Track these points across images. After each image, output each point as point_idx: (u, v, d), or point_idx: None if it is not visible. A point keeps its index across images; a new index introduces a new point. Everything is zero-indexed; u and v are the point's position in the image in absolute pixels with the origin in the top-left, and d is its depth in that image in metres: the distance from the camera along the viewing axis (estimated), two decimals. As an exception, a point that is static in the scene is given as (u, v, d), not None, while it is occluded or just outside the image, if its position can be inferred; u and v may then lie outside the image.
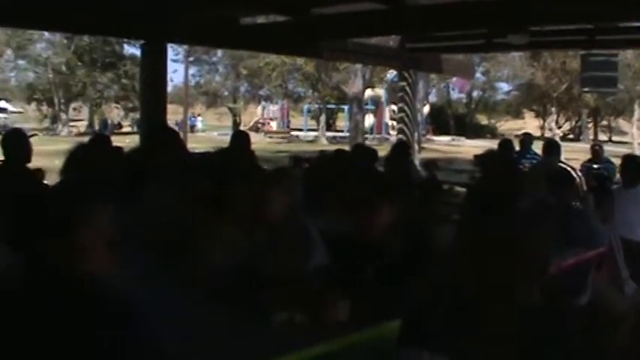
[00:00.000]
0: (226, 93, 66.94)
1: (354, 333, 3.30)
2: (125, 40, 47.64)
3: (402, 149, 9.18)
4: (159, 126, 7.80)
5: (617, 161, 9.82)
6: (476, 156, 16.25)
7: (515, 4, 7.83)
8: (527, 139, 12.35)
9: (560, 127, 53.91)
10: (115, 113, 64.67)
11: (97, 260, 2.43)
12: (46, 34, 48.79)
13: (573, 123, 62.89)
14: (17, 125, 48.00)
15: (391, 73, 42.32)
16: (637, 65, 39.42)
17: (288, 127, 56.89)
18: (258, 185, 4.10)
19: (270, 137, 47.27)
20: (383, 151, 9.02)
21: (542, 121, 61.27)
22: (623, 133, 59.30)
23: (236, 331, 3.26)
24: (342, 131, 53.00)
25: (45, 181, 6.59)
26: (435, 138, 48.76)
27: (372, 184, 4.14)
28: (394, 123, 46.19)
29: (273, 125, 56.70)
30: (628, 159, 8.05)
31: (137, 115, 59.61)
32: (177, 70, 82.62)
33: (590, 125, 61.88)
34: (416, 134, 16.28)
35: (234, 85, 64.32)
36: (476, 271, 2.51)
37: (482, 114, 67.25)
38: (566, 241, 5.11)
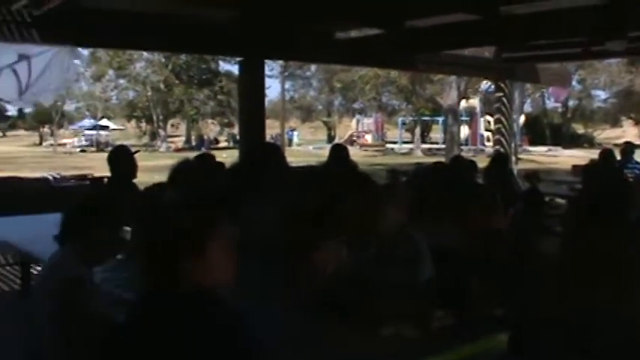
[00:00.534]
0: (320, 107, 67.56)
1: (462, 345, 3.29)
2: (221, 57, 48.60)
3: (501, 161, 9.08)
4: (262, 142, 7.92)
5: None
6: (575, 166, 15.97)
7: (613, 10, 7.68)
8: (628, 148, 12.05)
9: (661, 135, 52.35)
10: (211, 129, 65.80)
11: (221, 276, 2.47)
12: (145, 53, 49.99)
13: (675, 130, 60.97)
14: (118, 142, 49.41)
15: (485, 84, 41.84)
16: None
17: (382, 139, 56.80)
18: (370, 198, 4.12)
19: (365, 150, 47.29)
20: (479, 163, 8.95)
21: (642, 129, 59.65)
22: None
23: (345, 344, 3.29)
24: (436, 143, 52.64)
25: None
26: (531, 148, 47.95)
27: (476, 196, 4.12)
28: (489, 134, 45.89)
29: (368, 138, 56.66)
30: None
31: (233, 131, 60.71)
32: (270, 86, 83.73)
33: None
34: (512, 145, 16.08)
35: (328, 99, 64.84)
36: (583, 287, 2.47)
37: (578, 123, 65.77)
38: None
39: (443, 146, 44.65)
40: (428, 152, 46.53)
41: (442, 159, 26.88)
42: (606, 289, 2.42)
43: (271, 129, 44.03)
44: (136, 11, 8.00)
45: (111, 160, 6.71)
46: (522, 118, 43.62)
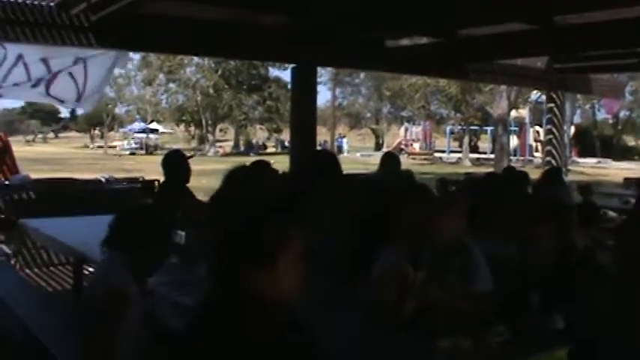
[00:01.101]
0: (369, 114, 67.55)
1: (521, 359, 3.25)
2: (270, 63, 48.83)
3: (554, 173, 8.98)
4: (319, 149, 7.93)
5: None
6: (627, 179, 15.76)
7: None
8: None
9: None
10: (259, 134, 66.12)
11: (289, 288, 2.46)
12: (195, 58, 50.42)
13: None
14: (167, 146, 49.85)
15: (535, 94, 41.48)
16: None
17: (430, 148, 56.59)
18: (428, 208, 4.10)
19: (413, 159, 47.14)
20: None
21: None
22: None
23: (404, 356, 3.28)
24: (484, 153, 52.31)
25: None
26: (580, 160, 47.40)
27: (536, 208, 4.09)
28: (538, 144, 45.42)
29: (416, 146, 56.50)
30: None
31: (281, 136, 60.99)
32: (319, 93, 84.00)
33: None
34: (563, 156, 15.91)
35: (376, 107, 64.79)
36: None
37: (629, 135, 64.78)
38: None
39: (491, 156, 44.37)
40: (476, 162, 46.24)
41: (491, 169, 26.76)
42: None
43: (319, 135, 44.01)
44: (190, 17, 8.09)
45: (166, 164, 6.74)
46: (572, 130, 43.17)
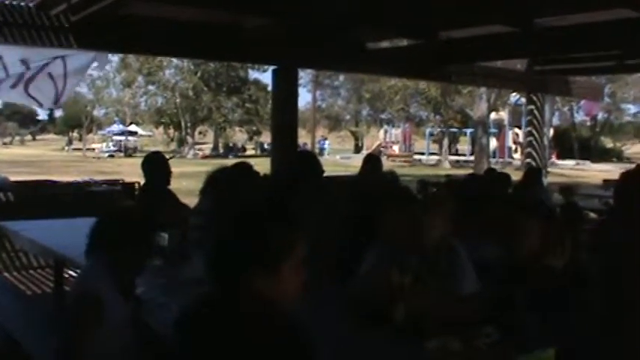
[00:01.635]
0: (348, 116, 67.57)
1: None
2: (249, 65, 48.79)
3: (534, 175, 9.02)
4: (299, 150, 7.90)
5: None
6: (606, 180, 15.84)
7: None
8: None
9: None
10: (239, 137, 66.05)
11: (290, 292, 2.44)
12: (175, 60, 50.31)
13: None
14: (146, 148, 49.69)
15: (514, 96, 41.72)
16: None
17: (410, 150, 56.75)
18: (415, 209, 4.10)
19: (392, 161, 47.19)
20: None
21: (672, 144, 59.09)
22: None
23: (391, 357, 3.28)
24: (464, 155, 52.54)
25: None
26: (559, 162, 47.67)
27: (520, 209, 4.09)
28: (517, 146, 45.66)
29: (395, 149, 56.64)
30: None
31: (261, 139, 60.97)
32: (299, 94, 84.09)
33: None
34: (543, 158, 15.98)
35: (356, 109, 64.87)
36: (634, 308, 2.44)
37: (607, 137, 65.25)
38: None
39: (470, 158, 44.55)
40: (455, 164, 46.44)
41: (470, 171, 26.86)
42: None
43: (299, 137, 44.06)
44: (171, 18, 8.06)
45: (146, 166, 6.69)
46: (551, 132, 43.42)
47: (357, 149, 62.56)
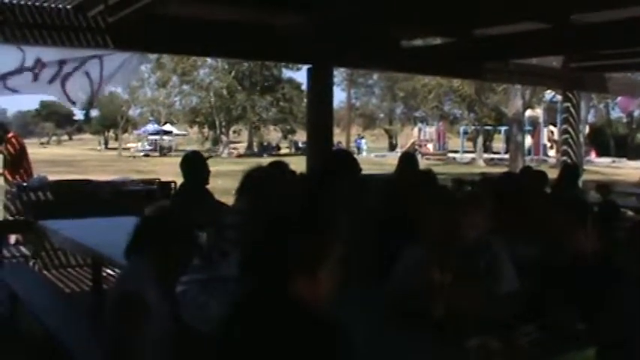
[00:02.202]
0: (382, 115, 67.48)
1: (550, 359, 3.22)
2: (284, 64, 48.86)
3: (572, 173, 8.92)
4: (337, 149, 7.87)
5: None
6: (644, 178, 15.64)
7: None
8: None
9: None
10: (273, 135, 66.20)
11: (325, 293, 2.46)
12: (209, 60, 50.53)
13: None
14: (181, 147, 49.98)
15: (550, 94, 41.36)
16: None
17: (444, 148, 56.49)
18: (454, 208, 4.08)
19: (427, 159, 47.01)
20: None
21: None
22: None
23: (432, 356, 3.28)
24: (498, 153, 52.19)
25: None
26: (595, 160, 47.17)
27: (559, 207, 4.06)
28: (553, 144, 45.25)
29: (430, 147, 56.41)
30: None
31: (295, 137, 61.06)
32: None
33: None
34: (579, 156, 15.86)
35: (390, 107, 64.77)
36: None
37: (644, 134, 64.39)
38: None
39: (505, 156, 44.26)
40: (490, 162, 46.12)
41: (505, 169, 26.67)
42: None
43: (333, 136, 44.03)
44: (205, 18, 8.10)
45: (185, 166, 6.73)
46: (587, 129, 42.99)
47: (392, 147, 62.42)
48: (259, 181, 4.74)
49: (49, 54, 8.80)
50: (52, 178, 11.16)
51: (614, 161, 48.14)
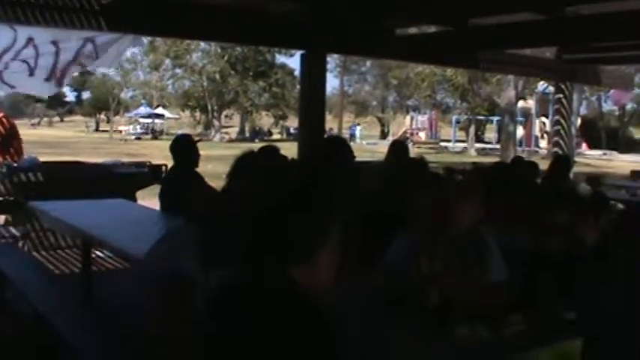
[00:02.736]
0: (375, 102, 67.45)
1: (537, 348, 3.24)
2: (276, 49, 48.78)
3: (563, 164, 8.92)
4: (329, 136, 7.86)
5: None
6: (634, 171, 15.72)
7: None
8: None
9: None
10: (265, 121, 66.18)
11: (324, 279, 2.42)
12: (202, 44, 50.41)
13: None
14: (172, 131, 49.90)
15: (542, 85, 41.41)
16: None
17: (436, 137, 56.55)
18: (445, 196, 4.08)
19: (418, 147, 47.03)
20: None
21: (703, 135, 58.37)
22: None
23: (419, 344, 3.29)
24: (490, 143, 52.30)
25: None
26: (586, 152, 47.30)
27: (548, 198, 4.08)
28: (545, 135, 45.34)
29: (422, 135, 56.47)
30: None
31: (287, 123, 61.07)
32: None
33: None
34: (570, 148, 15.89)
35: (382, 95, 64.75)
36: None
37: (635, 127, 64.56)
38: None
39: (496, 146, 44.36)
40: (482, 152, 46.24)
41: (496, 159, 26.72)
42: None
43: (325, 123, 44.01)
44: (199, 2, 8.06)
45: (175, 148, 6.73)
46: (578, 121, 43.07)
47: (384, 135, 62.46)
48: (251, 165, 4.72)
49: (42, 34, 8.76)
50: (43, 159, 11.12)
51: (605, 154, 48.32)
